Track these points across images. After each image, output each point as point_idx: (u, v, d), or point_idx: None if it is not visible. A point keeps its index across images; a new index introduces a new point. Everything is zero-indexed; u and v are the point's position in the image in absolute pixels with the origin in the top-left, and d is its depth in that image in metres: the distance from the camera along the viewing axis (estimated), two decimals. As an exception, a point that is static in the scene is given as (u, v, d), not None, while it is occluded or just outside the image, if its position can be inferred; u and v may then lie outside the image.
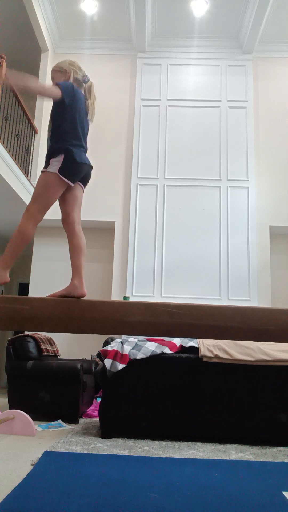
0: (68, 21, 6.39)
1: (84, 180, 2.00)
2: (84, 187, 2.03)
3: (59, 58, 6.75)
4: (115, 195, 6.33)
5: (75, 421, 3.92)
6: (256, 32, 6.21)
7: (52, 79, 2.11)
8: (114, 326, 1.60)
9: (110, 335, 3.86)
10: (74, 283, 1.79)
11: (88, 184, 2.03)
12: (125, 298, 5.70)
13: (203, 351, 3.30)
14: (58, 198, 1.94)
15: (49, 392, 4.00)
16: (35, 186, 1.90)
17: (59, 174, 1.83)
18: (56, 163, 1.84)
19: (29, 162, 6.00)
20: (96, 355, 3.58)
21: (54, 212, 6.91)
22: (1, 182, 4.88)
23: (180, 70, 6.64)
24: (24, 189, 5.52)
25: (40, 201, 1.87)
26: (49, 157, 1.88)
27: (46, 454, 2.66)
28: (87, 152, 1.99)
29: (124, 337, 4.44)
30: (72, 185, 1.91)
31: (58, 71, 2.11)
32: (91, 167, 1.97)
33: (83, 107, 1.99)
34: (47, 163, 1.88)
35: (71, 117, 1.91)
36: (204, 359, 3.29)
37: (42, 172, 1.88)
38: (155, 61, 6.68)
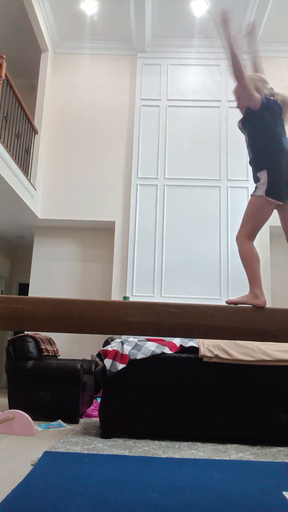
0: (68, 21, 6.39)
1: None
2: None
3: (59, 58, 6.79)
4: (115, 195, 6.33)
5: (75, 421, 3.92)
6: (256, 32, 6.20)
7: (258, 90, 2.10)
8: (114, 326, 1.60)
9: (110, 335, 3.86)
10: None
11: None
12: (125, 298, 5.70)
13: (203, 351, 3.30)
14: (280, 218, 1.94)
15: (49, 392, 4.00)
16: (246, 208, 1.93)
17: (268, 196, 1.84)
18: (262, 185, 1.85)
19: (29, 162, 6.00)
20: (96, 355, 3.58)
21: (54, 212, 6.94)
22: (1, 182, 4.88)
23: (180, 70, 6.64)
24: (24, 189, 5.52)
25: (250, 223, 1.89)
26: (256, 181, 1.90)
27: (46, 454, 2.66)
28: None
29: (124, 337, 4.44)
30: (281, 203, 1.88)
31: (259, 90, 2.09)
32: None
33: (279, 122, 1.97)
34: (255, 187, 1.90)
35: (271, 131, 1.90)
36: (204, 359, 3.29)
37: (251, 196, 1.91)
38: (155, 61, 6.68)
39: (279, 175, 1.84)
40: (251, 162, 1.98)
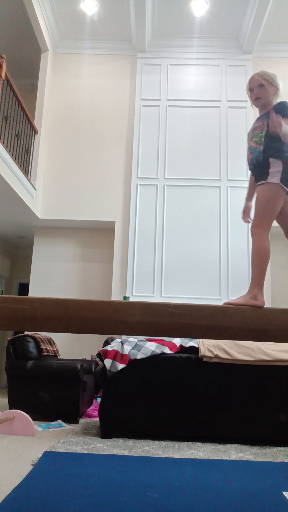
0: (68, 21, 6.39)
1: None
2: None
3: (59, 58, 6.79)
4: (115, 195, 6.33)
5: (75, 421, 3.92)
6: (256, 32, 6.21)
7: (261, 86, 1.98)
8: (114, 326, 1.60)
9: (110, 335, 3.86)
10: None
11: None
12: (125, 298, 5.70)
13: (203, 351, 3.30)
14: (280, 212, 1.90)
15: (49, 392, 4.00)
16: (258, 199, 1.86)
17: (281, 184, 1.80)
18: (277, 173, 1.80)
19: (29, 162, 6.00)
20: (96, 355, 3.58)
21: (54, 212, 6.95)
22: (1, 182, 4.88)
23: (180, 70, 6.64)
24: (24, 189, 5.52)
25: (267, 214, 1.83)
26: (264, 166, 1.84)
27: (46, 454, 2.66)
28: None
29: (124, 337, 4.45)
30: None
31: (271, 85, 1.98)
32: None
33: None
34: (263, 174, 1.84)
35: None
36: (204, 359, 3.29)
37: (262, 184, 1.84)
38: (155, 61, 6.68)
39: None
40: (258, 154, 1.92)
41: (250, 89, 2.01)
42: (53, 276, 6.39)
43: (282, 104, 1.92)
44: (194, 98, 6.53)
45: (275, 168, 1.81)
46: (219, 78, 6.58)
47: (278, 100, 1.99)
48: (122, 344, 3.43)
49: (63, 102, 6.66)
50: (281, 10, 5.99)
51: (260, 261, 1.79)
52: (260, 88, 1.98)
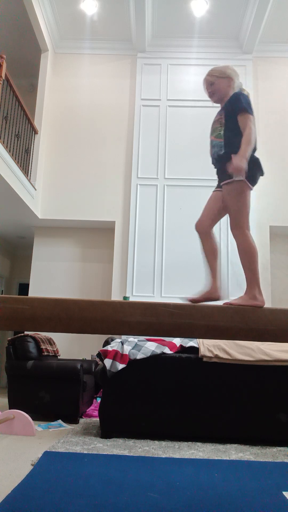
0: (68, 21, 6.38)
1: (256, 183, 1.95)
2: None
3: (59, 58, 6.79)
4: (115, 195, 6.33)
5: (75, 421, 3.92)
6: (256, 32, 6.21)
7: (212, 84, 2.00)
8: (114, 326, 1.60)
9: (110, 335, 3.86)
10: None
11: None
12: (125, 298, 5.70)
13: (203, 351, 3.30)
14: (217, 205, 1.92)
15: (49, 392, 4.00)
16: (231, 199, 1.86)
17: (246, 181, 1.82)
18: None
19: (29, 162, 6.00)
20: (96, 355, 3.58)
21: (54, 212, 6.95)
22: (1, 182, 4.88)
23: (180, 70, 6.64)
24: (24, 189, 5.52)
25: (244, 212, 1.85)
26: (225, 162, 1.83)
27: (46, 454, 2.66)
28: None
29: (124, 337, 4.44)
30: (252, 189, 1.88)
31: (223, 78, 1.99)
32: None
33: None
34: (225, 174, 1.83)
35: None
36: (204, 359, 3.28)
37: (228, 183, 1.83)
38: (155, 61, 6.68)
39: (255, 162, 1.84)
40: (220, 153, 1.91)
41: (206, 91, 2.04)
42: (53, 276, 6.39)
43: (234, 96, 1.92)
44: (194, 98, 6.53)
45: None
46: (219, 78, 6.56)
47: (242, 90, 1.99)
48: (122, 344, 3.43)
49: (63, 102, 6.66)
50: (281, 10, 5.99)
51: (250, 261, 1.79)
52: (211, 86, 2.00)
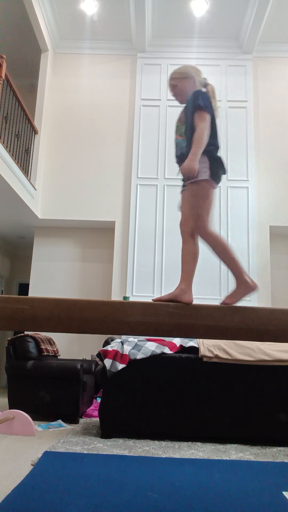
0: (68, 21, 6.38)
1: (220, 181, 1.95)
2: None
3: (59, 58, 6.79)
4: (115, 195, 6.33)
5: (75, 421, 3.92)
6: (256, 32, 6.21)
7: (174, 87, 2.01)
8: (114, 326, 1.60)
9: (110, 335, 3.86)
10: (181, 287, 1.75)
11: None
12: (125, 298, 5.70)
13: (203, 351, 3.30)
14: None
15: (49, 392, 4.00)
16: (193, 200, 1.85)
17: (211, 180, 1.81)
18: (205, 169, 1.80)
19: (29, 162, 6.00)
20: (96, 355, 3.58)
21: (54, 212, 6.95)
22: (1, 182, 4.88)
23: (180, 70, 6.63)
24: (24, 189, 5.52)
25: (205, 213, 1.83)
26: (182, 162, 1.85)
27: (46, 454, 2.66)
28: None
29: (124, 337, 4.44)
30: (216, 187, 1.88)
31: (184, 78, 1.99)
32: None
33: (213, 113, 1.94)
34: (182, 168, 1.84)
35: (212, 129, 1.89)
36: (204, 359, 3.28)
37: (194, 182, 1.82)
38: (155, 61, 6.68)
39: (216, 159, 1.84)
40: (182, 150, 1.92)
41: (172, 94, 2.06)
42: (53, 276, 6.39)
43: (193, 94, 1.92)
44: (194, 98, 6.52)
45: (202, 164, 1.80)
46: (219, 78, 6.57)
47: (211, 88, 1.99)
48: (122, 344, 3.43)
49: (63, 102, 6.66)
50: (281, 10, 5.99)
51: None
52: (175, 89, 2.02)
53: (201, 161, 1.79)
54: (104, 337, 5.03)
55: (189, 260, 1.86)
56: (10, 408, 3.95)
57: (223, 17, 6.20)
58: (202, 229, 1.82)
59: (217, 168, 1.84)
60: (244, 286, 1.74)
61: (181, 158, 1.91)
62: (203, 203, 1.83)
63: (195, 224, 1.82)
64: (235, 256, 1.80)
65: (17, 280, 7.99)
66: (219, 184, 1.91)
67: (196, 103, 1.86)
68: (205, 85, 2.00)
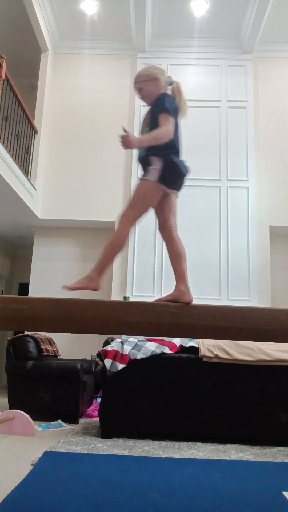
0: (68, 21, 6.38)
1: (179, 188, 1.95)
2: (179, 192, 1.98)
3: (59, 58, 6.79)
4: (115, 195, 6.32)
5: (75, 421, 3.92)
6: (256, 32, 6.21)
7: (140, 90, 2.00)
8: (114, 326, 1.60)
9: (110, 335, 3.86)
10: (180, 289, 1.75)
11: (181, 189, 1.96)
12: (125, 298, 5.70)
13: (203, 351, 3.30)
14: (158, 207, 1.92)
15: (49, 392, 4.00)
16: (133, 193, 1.87)
17: (158, 182, 1.81)
18: (155, 171, 1.81)
19: (29, 162, 6.00)
20: (96, 355, 3.58)
21: (54, 212, 6.96)
22: (1, 182, 4.88)
23: (180, 70, 6.64)
24: (24, 189, 5.51)
25: (137, 208, 1.85)
26: (146, 164, 1.85)
27: (46, 454, 2.66)
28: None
29: (124, 337, 4.44)
30: (169, 191, 1.87)
31: (148, 80, 1.98)
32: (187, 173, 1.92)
33: (177, 118, 1.93)
34: (145, 170, 1.85)
35: (175, 130, 1.88)
36: (204, 359, 3.28)
37: (141, 179, 1.84)
38: (155, 61, 6.67)
39: (172, 163, 1.83)
40: (142, 151, 1.92)
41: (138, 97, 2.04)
42: (53, 276, 6.39)
43: (160, 97, 1.92)
44: (194, 98, 6.52)
45: (154, 166, 1.81)
46: (219, 78, 6.57)
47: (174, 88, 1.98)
48: (122, 344, 3.43)
49: (63, 102, 6.66)
50: (281, 10, 5.99)
51: (112, 251, 1.83)
52: (141, 92, 2.00)
53: (154, 162, 1.81)
54: (104, 337, 5.02)
55: (178, 260, 1.89)
56: (10, 408, 3.95)
57: (223, 17, 6.20)
58: (130, 220, 1.85)
59: (171, 173, 1.83)
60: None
61: (141, 160, 1.91)
62: (138, 200, 1.85)
63: (127, 212, 1.86)
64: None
65: (17, 280, 7.99)
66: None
67: (162, 106, 1.86)
68: (171, 83, 2.00)
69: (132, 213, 1.86)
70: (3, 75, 4.69)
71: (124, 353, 3.34)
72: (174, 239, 1.95)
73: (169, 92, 1.97)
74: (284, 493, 2.07)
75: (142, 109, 6.50)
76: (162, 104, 1.87)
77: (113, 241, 1.83)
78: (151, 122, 1.90)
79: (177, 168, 1.85)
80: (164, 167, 1.81)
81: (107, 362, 3.31)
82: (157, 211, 1.96)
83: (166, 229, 1.96)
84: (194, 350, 3.39)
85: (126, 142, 1.78)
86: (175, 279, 1.83)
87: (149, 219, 6.69)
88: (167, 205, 1.93)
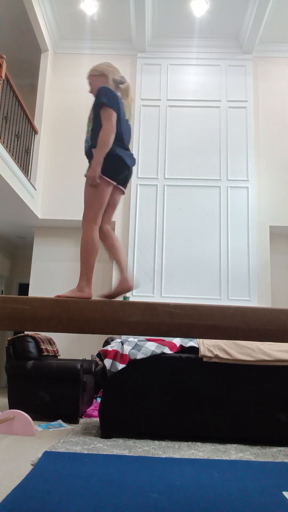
0: (68, 21, 6.38)
1: (125, 182, 1.97)
2: (125, 189, 1.99)
3: (59, 58, 6.79)
4: (115, 195, 6.32)
5: (75, 421, 3.92)
6: (256, 32, 6.21)
7: (90, 84, 2.05)
8: (114, 326, 1.60)
9: (110, 335, 3.86)
10: (124, 277, 1.81)
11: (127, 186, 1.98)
12: (125, 298, 5.70)
13: (203, 351, 3.30)
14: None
15: (49, 392, 4.00)
16: (84, 192, 1.89)
17: (102, 175, 1.81)
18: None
19: (29, 162, 6.00)
20: (96, 355, 3.58)
21: (54, 212, 6.97)
22: (1, 182, 4.88)
23: (180, 70, 6.64)
24: (24, 189, 5.51)
25: (93, 206, 1.85)
26: (91, 157, 1.88)
27: (46, 454, 2.66)
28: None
29: (124, 337, 4.44)
30: (115, 184, 1.88)
31: (97, 76, 2.04)
32: (132, 169, 1.94)
33: (122, 108, 1.96)
34: (90, 165, 1.86)
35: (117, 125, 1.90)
36: (204, 359, 3.29)
37: (85, 176, 1.86)
38: (155, 61, 6.68)
39: (114, 155, 1.84)
40: (87, 146, 1.96)
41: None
42: (53, 276, 6.38)
43: (98, 91, 1.94)
44: (194, 98, 6.53)
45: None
46: (219, 78, 6.58)
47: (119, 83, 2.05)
48: (122, 344, 3.43)
49: (63, 102, 6.66)
50: (281, 10, 5.99)
51: (87, 255, 1.81)
52: (90, 86, 2.07)
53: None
54: (104, 337, 5.03)
55: (115, 252, 1.89)
56: (10, 408, 3.95)
57: (223, 17, 6.20)
58: (90, 220, 1.83)
59: (113, 165, 1.84)
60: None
61: (86, 156, 1.95)
62: (91, 197, 1.85)
63: (86, 214, 1.85)
64: (87, 261, 1.82)
65: (17, 280, 7.99)
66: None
67: (100, 101, 1.88)
68: (121, 83, 2.02)
69: (90, 212, 1.85)
70: (3, 75, 4.69)
71: (124, 353, 3.34)
72: (105, 233, 1.94)
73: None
74: (284, 493, 2.07)
75: (142, 109, 6.51)
76: (100, 98, 1.89)
77: (83, 245, 1.82)
78: (94, 118, 1.93)
79: (120, 160, 1.86)
80: (107, 159, 1.81)
81: (107, 362, 3.31)
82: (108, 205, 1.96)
83: (102, 224, 1.94)
84: (194, 350, 3.39)
85: (91, 179, 1.81)
86: (118, 270, 1.86)
87: (149, 219, 6.72)
88: (112, 200, 1.94)
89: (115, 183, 1.87)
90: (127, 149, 1.95)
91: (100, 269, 6.40)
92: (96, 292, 6.31)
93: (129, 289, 1.74)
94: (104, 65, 2.05)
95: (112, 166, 1.83)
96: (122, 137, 1.91)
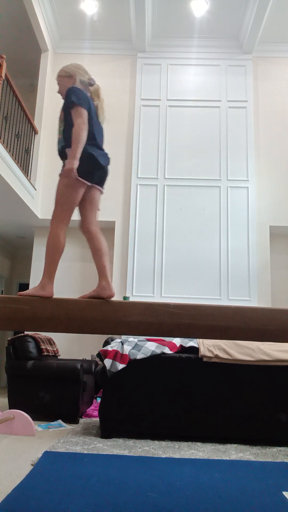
0: (68, 21, 6.38)
1: (101, 182, 1.97)
2: (102, 189, 1.99)
3: (59, 58, 6.79)
4: (115, 195, 6.33)
5: (75, 421, 3.92)
6: (256, 32, 6.21)
7: (59, 84, 2.06)
8: (114, 326, 1.60)
9: (110, 335, 3.86)
10: (102, 284, 1.76)
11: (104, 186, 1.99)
12: (125, 298, 5.70)
13: (203, 351, 3.30)
14: (80, 203, 1.91)
15: (49, 392, 4.00)
16: (56, 191, 1.87)
17: (77, 176, 1.80)
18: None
19: (29, 162, 6.00)
20: (96, 355, 3.58)
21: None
22: (1, 182, 4.88)
23: (180, 70, 6.64)
24: (24, 189, 5.51)
25: (64, 205, 1.83)
26: (64, 157, 1.87)
27: (46, 454, 2.66)
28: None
29: (124, 337, 4.44)
30: (89, 184, 1.87)
31: (64, 76, 2.04)
32: (107, 168, 1.94)
33: (93, 109, 1.98)
34: (64, 164, 1.85)
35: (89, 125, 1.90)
36: (204, 359, 3.28)
37: (59, 175, 1.85)
38: (155, 61, 6.68)
39: (87, 155, 1.84)
40: (60, 147, 1.95)
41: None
42: (53, 276, 6.38)
43: (67, 92, 1.95)
44: (194, 98, 6.53)
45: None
46: (219, 78, 6.58)
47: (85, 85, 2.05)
48: (122, 344, 3.43)
49: (63, 102, 6.65)
50: (281, 10, 5.99)
51: (52, 253, 1.80)
52: (59, 87, 2.06)
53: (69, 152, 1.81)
54: (104, 337, 5.02)
55: (98, 255, 1.88)
56: (10, 408, 3.95)
57: (223, 17, 6.20)
58: (59, 219, 1.82)
59: (87, 164, 1.83)
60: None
61: (60, 156, 1.93)
62: (62, 196, 1.83)
63: (56, 212, 1.83)
64: (50, 259, 1.81)
65: (17, 280, 7.99)
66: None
67: (70, 100, 1.89)
68: (90, 85, 2.02)
69: (60, 212, 1.83)
70: (3, 75, 4.69)
71: (124, 353, 3.34)
72: (93, 235, 1.93)
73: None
74: (284, 493, 2.07)
75: (142, 109, 6.51)
76: (69, 98, 1.90)
77: (49, 244, 1.81)
78: (65, 118, 1.93)
79: (93, 159, 1.86)
80: (80, 159, 1.80)
81: (107, 362, 3.31)
82: (79, 208, 1.93)
83: (85, 226, 1.94)
84: (194, 350, 3.39)
85: (68, 174, 1.78)
86: (98, 275, 1.83)
87: (149, 219, 6.73)
88: (88, 202, 1.93)
89: (89, 183, 1.86)
90: (101, 148, 1.95)
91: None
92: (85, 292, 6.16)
93: (107, 297, 1.70)
94: (72, 66, 2.06)
95: (85, 166, 1.82)
96: (95, 137, 1.92)
